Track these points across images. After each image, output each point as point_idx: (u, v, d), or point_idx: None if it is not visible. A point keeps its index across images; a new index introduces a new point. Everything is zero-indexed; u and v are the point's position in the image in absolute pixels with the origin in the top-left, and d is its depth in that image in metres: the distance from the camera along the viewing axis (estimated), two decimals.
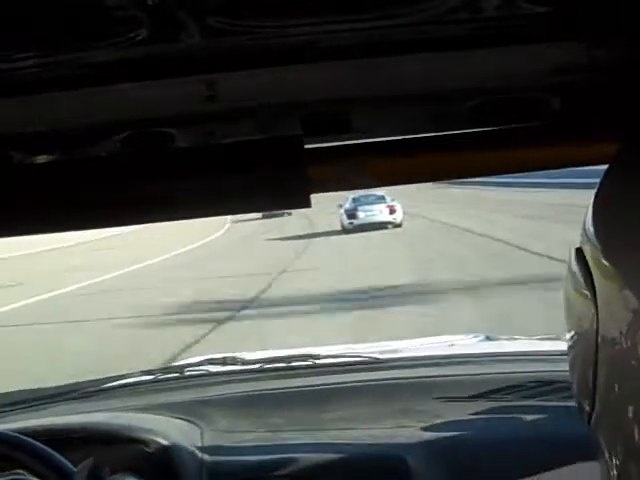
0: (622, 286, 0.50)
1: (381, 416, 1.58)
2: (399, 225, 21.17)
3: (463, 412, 1.56)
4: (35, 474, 1.28)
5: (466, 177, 0.88)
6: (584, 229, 0.57)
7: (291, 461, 1.50)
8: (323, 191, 0.85)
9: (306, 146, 0.81)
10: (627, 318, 0.49)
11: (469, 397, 1.60)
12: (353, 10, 0.62)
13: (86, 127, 0.77)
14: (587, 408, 0.56)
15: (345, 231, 21.50)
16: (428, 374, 1.75)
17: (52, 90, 0.72)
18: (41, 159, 0.84)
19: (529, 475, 1.36)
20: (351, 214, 21.84)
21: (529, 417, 1.45)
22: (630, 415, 0.49)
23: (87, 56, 0.67)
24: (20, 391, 1.85)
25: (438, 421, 1.53)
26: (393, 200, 21.53)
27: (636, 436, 0.49)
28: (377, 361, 1.82)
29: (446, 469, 1.44)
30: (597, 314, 0.53)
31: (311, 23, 0.64)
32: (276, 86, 0.73)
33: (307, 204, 0.83)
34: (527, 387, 1.56)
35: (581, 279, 0.56)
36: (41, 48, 0.64)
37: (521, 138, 0.84)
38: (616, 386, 0.51)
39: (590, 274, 0.54)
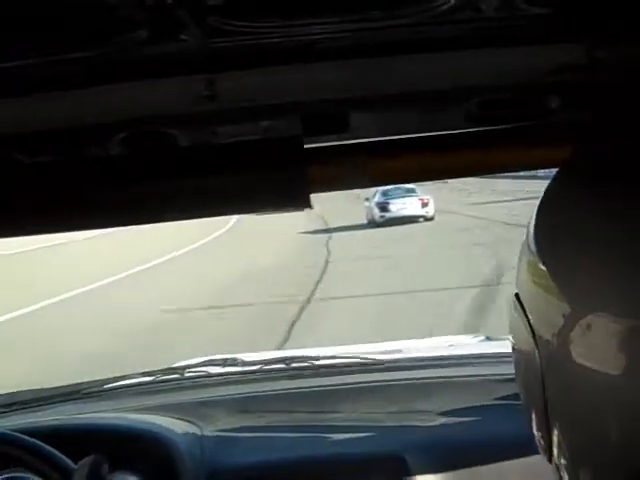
0: (556, 294, 0.51)
1: (381, 417, 1.58)
2: (431, 219, 20.50)
3: (463, 413, 1.56)
4: (36, 472, 1.28)
5: (466, 177, 0.88)
6: (525, 239, 0.58)
7: (291, 462, 1.50)
8: (323, 191, 0.85)
9: (306, 146, 0.81)
10: (564, 329, 0.50)
11: (469, 398, 1.61)
12: (353, 10, 0.62)
13: (86, 127, 0.77)
14: (542, 442, 0.57)
15: (373, 225, 20.73)
16: (428, 375, 1.75)
17: (52, 90, 0.72)
18: (41, 159, 0.84)
19: (529, 475, 1.36)
20: (383, 207, 21.11)
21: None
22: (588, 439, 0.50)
23: (87, 56, 0.67)
24: (22, 391, 1.85)
25: (438, 422, 1.53)
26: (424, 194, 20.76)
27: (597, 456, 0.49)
28: (377, 362, 1.82)
29: (446, 469, 1.44)
30: (534, 334, 0.54)
31: (311, 23, 0.64)
32: (276, 86, 0.73)
33: (307, 204, 0.83)
34: None
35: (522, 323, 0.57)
36: (41, 48, 0.64)
37: (521, 138, 0.84)
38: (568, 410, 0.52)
39: (527, 317, 0.56)
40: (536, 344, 0.54)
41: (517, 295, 0.59)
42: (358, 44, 0.70)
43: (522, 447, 1.42)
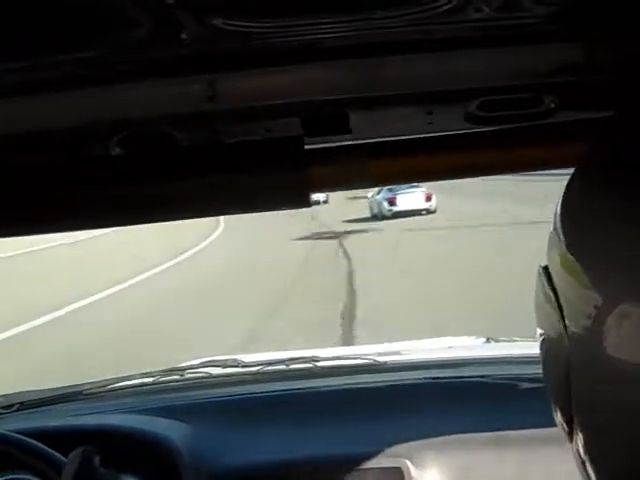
0: (588, 286, 0.51)
1: (381, 418, 1.58)
2: (433, 211, 22.46)
3: (463, 414, 1.56)
4: (28, 469, 1.28)
5: (466, 177, 0.88)
6: (552, 233, 0.58)
7: (291, 462, 1.50)
8: (323, 191, 0.85)
9: (306, 146, 0.81)
10: (593, 317, 0.50)
11: (469, 399, 1.60)
12: (353, 10, 0.62)
13: (86, 127, 0.77)
14: (565, 426, 0.57)
15: (380, 218, 22.60)
16: (428, 376, 1.75)
17: (52, 90, 0.72)
18: (41, 159, 0.84)
19: (529, 475, 1.36)
20: (391, 201, 23.14)
21: (529, 418, 1.44)
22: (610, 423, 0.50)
23: (87, 56, 0.67)
24: (23, 392, 1.85)
25: (438, 423, 1.53)
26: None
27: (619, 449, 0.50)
28: (377, 363, 1.82)
29: (445, 470, 1.44)
30: (564, 322, 0.54)
31: (311, 23, 0.64)
32: (276, 86, 0.73)
33: (307, 204, 0.83)
34: (527, 389, 1.56)
35: (549, 293, 0.57)
36: (41, 48, 0.64)
37: (521, 138, 0.84)
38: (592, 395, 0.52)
39: (555, 291, 0.56)
40: (564, 325, 0.54)
41: (547, 270, 0.58)
42: (358, 44, 0.70)
43: (523, 447, 1.42)
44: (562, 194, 0.58)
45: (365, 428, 1.57)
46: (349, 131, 0.82)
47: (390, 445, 1.50)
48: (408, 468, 1.45)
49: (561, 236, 0.56)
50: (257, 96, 0.75)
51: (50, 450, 1.29)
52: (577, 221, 0.55)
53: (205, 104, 0.74)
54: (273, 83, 0.73)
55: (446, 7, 0.62)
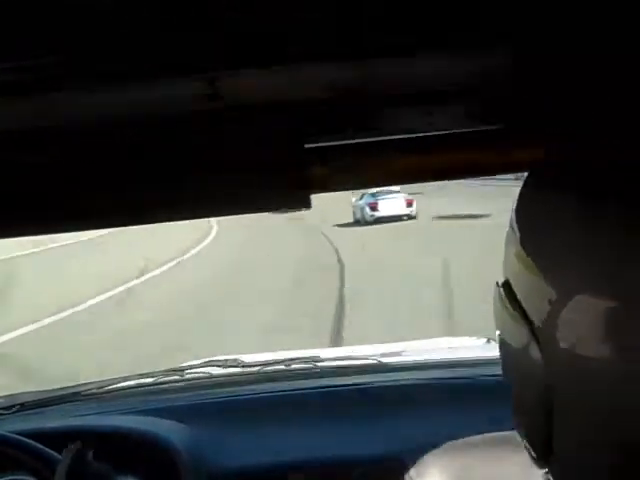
0: (541, 280, 0.52)
1: (381, 418, 1.58)
2: (414, 217, 22.66)
3: (464, 414, 1.56)
4: (26, 469, 1.28)
5: (466, 177, 0.88)
6: (508, 232, 0.59)
7: (291, 462, 1.50)
8: (323, 191, 0.85)
9: (306, 146, 0.81)
10: (548, 312, 0.51)
11: (470, 399, 1.60)
12: (353, 10, 0.62)
13: (86, 127, 0.77)
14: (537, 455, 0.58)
15: (363, 223, 22.73)
16: (429, 377, 1.75)
17: (52, 90, 0.72)
18: (40, 159, 0.84)
19: (531, 476, 1.35)
20: (373, 207, 23.23)
21: None
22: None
23: (87, 56, 0.67)
24: (23, 393, 1.85)
25: (439, 423, 1.53)
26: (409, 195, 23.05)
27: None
28: (378, 364, 1.82)
29: (447, 471, 1.44)
30: (533, 332, 0.54)
31: (311, 23, 0.64)
32: (276, 86, 0.73)
33: (307, 204, 0.83)
34: None
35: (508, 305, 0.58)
36: (41, 48, 0.64)
37: (521, 138, 0.84)
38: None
39: (516, 299, 0.56)
40: (533, 334, 0.54)
41: (507, 283, 0.59)
42: (358, 44, 0.70)
43: (523, 448, 1.42)
44: (518, 194, 0.59)
45: (365, 428, 1.57)
46: (349, 131, 0.82)
47: (390, 445, 1.50)
48: (408, 469, 1.45)
49: (517, 233, 0.57)
50: (257, 96, 0.75)
51: (45, 448, 1.29)
52: (530, 219, 0.57)
53: (205, 104, 0.74)
54: (273, 83, 0.73)
55: (445, 7, 0.62)
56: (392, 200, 22.80)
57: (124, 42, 0.64)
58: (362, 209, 23.66)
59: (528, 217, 0.57)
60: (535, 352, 0.53)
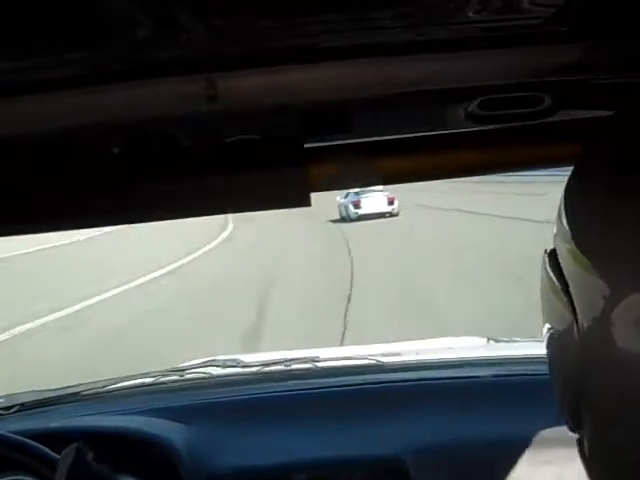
0: (596, 277, 0.52)
1: (381, 418, 1.58)
2: (396, 214, 23.56)
3: (463, 414, 1.56)
4: (26, 470, 1.28)
5: (466, 176, 0.88)
6: (557, 225, 0.59)
7: (291, 463, 1.50)
8: (323, 190, 0.85)
9: (306, 146, 0.81)
10: (605, 311, 0.50)
11: (469, 399, 1.60)
12: (353, 10, 0.62)
13: (86, 127, 0.77)
14: (572, 424, 0.57)
15: (347, 220, 23.73)
16: (429, 376, 1.75)
17: (52, 90, 0.72)
18: (41, 159, 0.84)
19: (530, 476, 1.36)
20: (356, 204, 24.09)
21: (530, 419, 1.44)
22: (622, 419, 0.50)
23: (87, 56, 0.67)
24: (22, 393, 1.85)
25: (438, 423, 1.53)
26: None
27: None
28: (377, 364, 1.82)
29: (446, 470, 1.44)
30: (576, 317, 0.54)
31: (312, 23, 0.64)
32: (276, 86, 0.73)
33: (307, 204, 0.83)
34: (527, 389, 1.56)
35: (557, 283, 0.57)
36: (41, 48, 0.64)
37: (521, 138, 0.84)
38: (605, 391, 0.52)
39: (564, 278, 0.56)
40: (574, 313, 0.54)
41: (553, 254, 0.59)
42: (358, 44, 0.70)
43: (524, 448, 1.42)
44: (565, 187, 0.59)
45: (365, 428, 1.56)
46: (349, 130, 0.82)
47: (391, 445, 1.50)
48: (408, 469, 1.45)
49: (566, 227, 0.56)
50: (257, 96, 0.75)
51: (45, 449, 1.29)
52: (579, 214, 0.56)
53: (205, 104, 0.73)
54: (273, 83, 0.73)
55: (445, 7, 0.62)
56: (374, 198, 23.46)
57: (124, 43, 0.64)
58: (346, 207, 24.52)
59: (578, 212, 0.57)
60: (574, 333, 0.53)
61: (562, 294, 0.56)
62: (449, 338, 2.24)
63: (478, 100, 0.79)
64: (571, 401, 0.56)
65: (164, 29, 0.62)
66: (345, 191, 23.07)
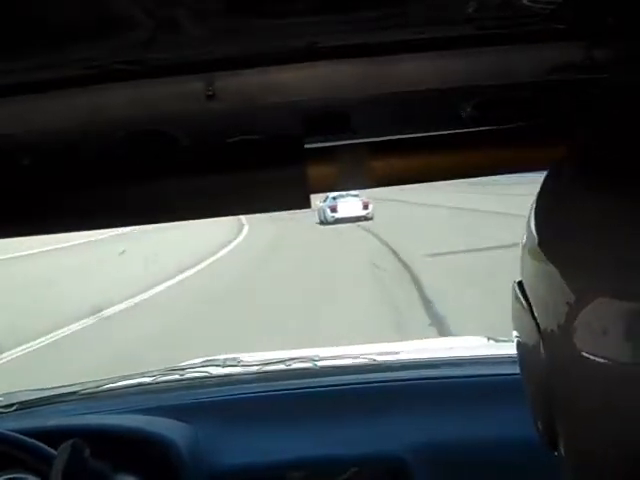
0: (558, 283, 0.51)
1: (380, 417, 1.58)
2: (371, 218, 24.80)
3: (463, 414, 1.56)
4: (24, 467, 1.28)
5: (466, 177, 0.88)
6: (526, 230, 0.58)
7: (291, 461, 1.50)
8: (323, 191, 0.85)
9: (306, 146, 0.81)
10: (566, 315, 0.50)
11: (469, 398, 1.60)
12: (353, 10, 0.62)
13: (86, 127, 0.77)
14: (547, 439, 0.57)
15: (325, 223, 25.11)
16: (428, 376, 1.74)
17: (52, 90, 0.72)
18: (41, 159, 0.84)
19: (530, 475, 1.36)
20: (333, 208, 25.61)
21: (530, 418, 1.44)
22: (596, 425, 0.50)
23: (87, 56, 0.67)
24: (21, 392, 1.85)
25: (438, 422, 1.53)
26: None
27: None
28: (377, 363, 1.82)
29: (446, 470, 1.44)
30: (537, 323, 0.54)
31: (311, 23, 0.64)
32: (276, 86, 0.73)
33: (307, 204, 0.83)
34: None
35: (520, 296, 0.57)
36: (41, 48, 0.64)
37: (521, 138, 0.84)
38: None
39: (528, 299, 0.56)
40: (540, 335, 0.54)
41: (520, 284, 0.59)
42: (358, 44, 0.70)
43: (523, 448, 1.42)
44: (537, 195, 0.59)
45: (365, 427, 1.56)
46: (349, 130, 0.82)
47: (390, 444, 1.50)
48: (407, 468, 1.45)
49: (533, 232, 0.56)
50: (257, 95, 0.75)
51: (44, 446, 1.29)
52: (549, 219, 0.56)
53: (205, 104, 0.73)
54: (273, 83, 0.73)
55: (445, 8, 0.62)
56: (350, 202, 24.82)
57: (124, 44, 0.64)
58: (324, 211, 25.75)
59: (547, 218, 0.56)
60: (541, 351, 0.53)
61: (524, 302, 0.56)
62: (449, 338, 2.23)
63: (478, 100, 0.79)
64: (544, 414, 0.56)
65: (164, 29, 0.62)
66: (324, 195, 24.07)
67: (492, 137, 0.84)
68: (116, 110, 0.75)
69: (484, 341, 2.15)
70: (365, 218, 24.72)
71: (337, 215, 25.19)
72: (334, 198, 24.44)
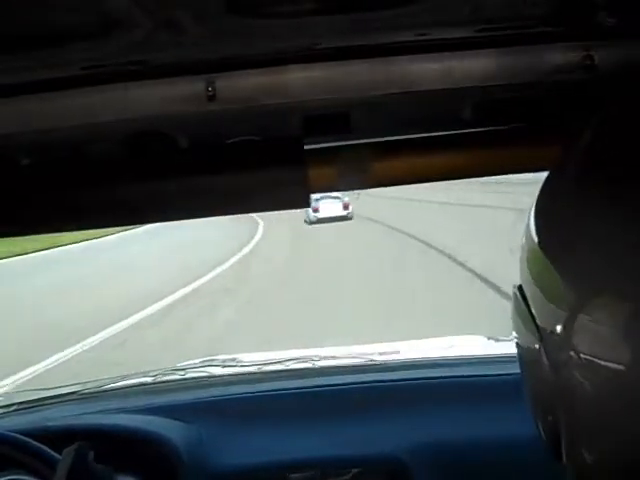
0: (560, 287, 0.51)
1: (380, 417, 1.58)
2: (350, 218, 26.29)
3: (463, 413, 1.56)
4: (26, 469, 1.28)
5: (466, 177, 0.88)
6: (525, 234, 0.58)
7: (290, 462, 1.50)
8: (323, 191, 0.85)
9: (306, 146, 0.81)
10: (565, 316, 0.50)
11: (470, 398, 1.60)
12: (353, 11, 0.62)
13: (86, 127, 0.77)
14: (547, 437, 0.57)
15: (309, 223, 26.34)
16: (428, 375, 1.74)
17: (53, 90, 0.72)
18: (41, 159, 0.84)
19: (530, 475, 1.36)
20: (315, 209, 26.57)
21: (530, 418, 1.44)
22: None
23: (87, 56, 0.67)
24: (21, 392, 1.85)
25: (437, 422, 1.53)
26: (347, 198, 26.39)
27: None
28: (377, 363, 1.82)
29: (446, 470, 1.44)
30: (536, 326, 0.54)
31: (311, 24, 0.64)
32: (276, 86, 0.73)
33: (307, 204, 0.83)
34: None
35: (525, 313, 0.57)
36: (42, 48, 0.64)
37: (521, 138, 0.84)
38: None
39: (530, 308, 0.56)
40: (540, 338, 0.53)
41: (520, 288, 0.58)
42: (358, 44, 0.70)
43: (522, 447, 1.42)
44: (537, 197, 0.58)
45: (364, 427, 1.56)
46: (349, 131, 0.82)
47: (390, 444, 1.50)
48: (407, 468, 1.45)
49: (533, 235, 0.56)
50: (257, 96, 0.75)
51: (45, 448, 1.29)
52: (549, 222, 0.55)
53: (205, 104, 0.73)
54: (273, 83, 0.73)
55: (446, 8, 0.62)
56: (331, 204, 25.82)
57: (124, 44, 0.64)
58: (307, 212, 26.75)
59: (547, 221, 0.56)
60: (541, 355, 0.53)
61: (523, 305, 0.56)
62: (449, 337, 2.23)
63: (477, 100, 0.79)
64: (545, 417, 0.56)
65: (164, 29, 0.62)
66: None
67: (492, 137, 0.84)
68: (116, 110, 0.75)
69: (484, 340, 2.15)
70: (345, 218, 26.19)
71: (319, 215, 26.50)
72: (316, 200, 25.35)
